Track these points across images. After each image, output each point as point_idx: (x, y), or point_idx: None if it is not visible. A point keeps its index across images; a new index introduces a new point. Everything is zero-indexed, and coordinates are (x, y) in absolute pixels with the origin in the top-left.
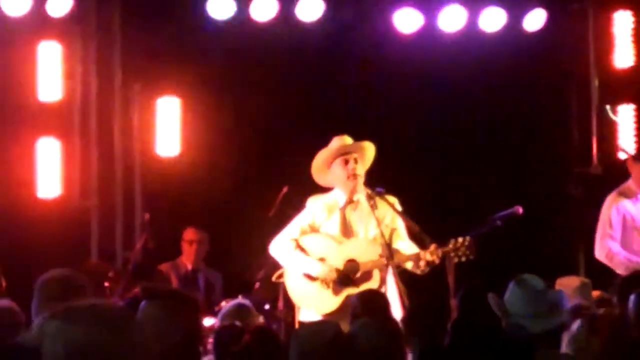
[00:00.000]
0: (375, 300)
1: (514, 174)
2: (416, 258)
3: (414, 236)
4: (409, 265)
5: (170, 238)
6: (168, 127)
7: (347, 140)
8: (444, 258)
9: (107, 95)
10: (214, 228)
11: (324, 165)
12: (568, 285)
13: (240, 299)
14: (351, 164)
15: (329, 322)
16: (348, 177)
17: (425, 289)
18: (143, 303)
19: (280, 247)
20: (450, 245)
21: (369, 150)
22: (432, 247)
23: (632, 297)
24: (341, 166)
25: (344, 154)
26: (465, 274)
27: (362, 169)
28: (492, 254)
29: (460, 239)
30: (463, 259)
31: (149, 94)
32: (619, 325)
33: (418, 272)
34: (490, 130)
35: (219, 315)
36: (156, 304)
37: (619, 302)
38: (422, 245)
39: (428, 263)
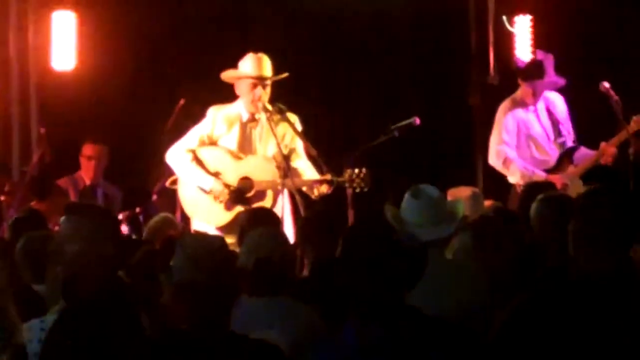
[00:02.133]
0: (265, 215)
1: (412, 84)
2: (310, 186)
3: (311, 158)
4: (303, 188)
5: (67, 152)
6: (63, 41)
7: (264, 64)
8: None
9: (2, 8)
10: (111, 141)
11: (234, 79)
12: (459, 195)
13: (163, 214)
14: (258, 90)
15: (215, 235)
16: (252, 102)
17: (323, 201)
18: (65, 217)
19: (176, 156)
20: (346, 176)
21: (282, 76)
22: (325, 178)
23: (533, 204)
24: (249, 88)
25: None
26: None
27: (268, 94)
28: (390, 165)
29: (356, 170)
30: (357, 190)
31: (43, 7)
32: (510, 231)
33: (312, 196)
34: (390, 40)
35: (146, 228)
36: (83, 218)
37: (520, 209)
38: (319, 169)
39: (321, 194)
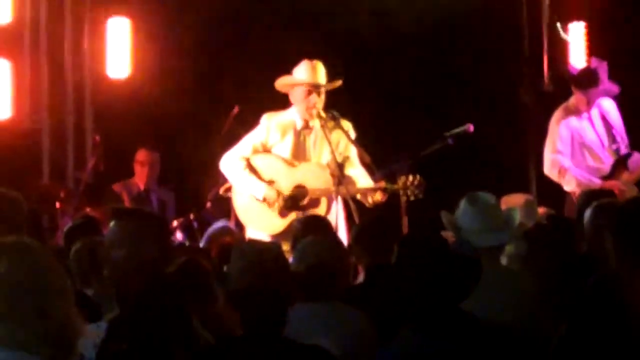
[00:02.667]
0: (317, 223)
1: (466, 93)
2: (364, 194)
3: (365, 166)
4: (358, 196)
5: (121, 159)
6: (118, 48)
7: (319, 71)
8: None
9: (57, 15)
10: (165, 148)
11: (288, 86)
12: (513, 202)
13: (222, 222)
14: (313, 98)
15: (272, 242)
16: (307, 109)
17: (377, 208)
18: (114, 223)
19: (230, 164)
20: (400, 184)
21: (337, 84)
22: (380, 186)
23: (587, 212)
24: (303, 95)
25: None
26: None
27: (322, 101)
28: (444, 173)
29: (410, 177)
30: (412, 198)
31: (99, 14)
32: (564, 240)
33: (366, 204)
34: (441, 49)
35: (205, 236)
36: (130, 223)
37: (578, 217)
38: (373, 177)
39: (375, 202)
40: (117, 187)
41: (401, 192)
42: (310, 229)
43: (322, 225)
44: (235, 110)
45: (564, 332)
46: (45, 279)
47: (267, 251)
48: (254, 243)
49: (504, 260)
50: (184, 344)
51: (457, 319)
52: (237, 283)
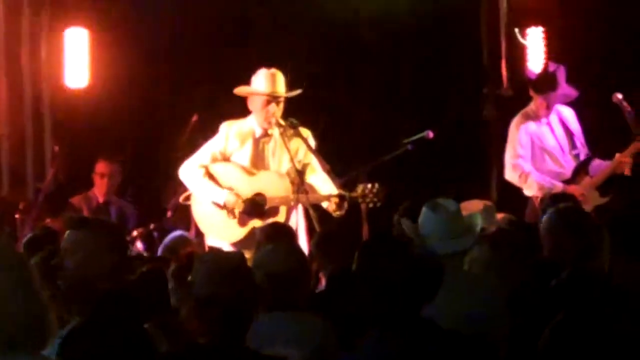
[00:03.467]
0: (280, 230)
1: (424, 97)
2: (327, 200)
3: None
4: (323, 204)
5: (81, 169)
6: (76, 58)
7: (277, 81)
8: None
9: (14, 25)
10: (124, 158)
11: (247, 95)
12: (472, 208)
13: (179, 231)
14: (272, 107)
15: (235, 251)
16: (265, 119)
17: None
18: (69, 232)
19: (189, 172)
20: (359, 191)
21: (296, 93)
22: (340, 192)
23: (544, 217)
24: (262, 104)
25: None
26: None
27: (281, 110)
28: (404, 179)
29: (369, 185)
30: (371, 205)
31: (57, 25)
32: (526, 244)
33: (332, 212)
34: (402, 53)
35: (161, 246)
36: (84, 232)
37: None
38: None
39: (335, 215)
40: (75, 200)
41: (360, 200)
42: (272, 237)
43: (283, 233)
44: (194, 118)
45: (554, 331)
46: (18, 269)
47: (230, 260)
48: (217, 252)
49: (465, 266)
50: (141, 355)
51: (419, 325)
52: (200, 291)
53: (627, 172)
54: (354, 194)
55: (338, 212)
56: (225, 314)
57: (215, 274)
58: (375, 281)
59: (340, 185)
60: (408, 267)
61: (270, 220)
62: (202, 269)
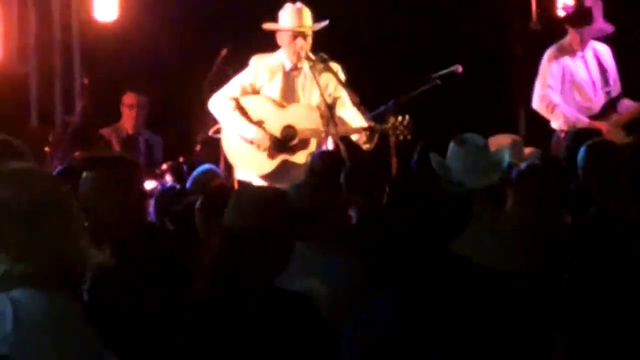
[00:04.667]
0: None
1: (452, 32)
2: (358, 132)
3: (356, 106)
4: (354, 136)
5: (110, 102)
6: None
7: (304, 15)
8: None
9: None
10: (154, 92)
11: (273, 29)
12: (499, 143)
13: (207, 165)
14: (299, 42)
15: (271, 187)
16: (293, 53)
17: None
18: (84, 174)
19: (219, 105)
20: (389, 124)
21: (322, 25)
22: (370, 124)
23: (581, 149)
24: (289, 39)
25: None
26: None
27: (309, 44)
28: (432, 114)
29: (399, 117)
30: (400, 137)
31: None
32: (559, 178)
33: (362, 146)
34: None
35: (190, 179)
36: (96, 174)
37: (566, 155)
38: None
39: (365, 147)
40: (105, 131)
41: (390, 133)
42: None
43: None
44: (224, 52)
45: (573, 269)
46: (62, 206)
47: (267, 193)
48: (255, 187)
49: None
50: (174, 292)
51: (450, 261)
52: (232, 223)
53: None
54: (384, 126)
55: (368, 145)
56: (255, 248)
57: (250, 207)
58: (406, 215)
59: (370, 118)
60: (438, 200)
61: (300, 153)
62: (237, 201)
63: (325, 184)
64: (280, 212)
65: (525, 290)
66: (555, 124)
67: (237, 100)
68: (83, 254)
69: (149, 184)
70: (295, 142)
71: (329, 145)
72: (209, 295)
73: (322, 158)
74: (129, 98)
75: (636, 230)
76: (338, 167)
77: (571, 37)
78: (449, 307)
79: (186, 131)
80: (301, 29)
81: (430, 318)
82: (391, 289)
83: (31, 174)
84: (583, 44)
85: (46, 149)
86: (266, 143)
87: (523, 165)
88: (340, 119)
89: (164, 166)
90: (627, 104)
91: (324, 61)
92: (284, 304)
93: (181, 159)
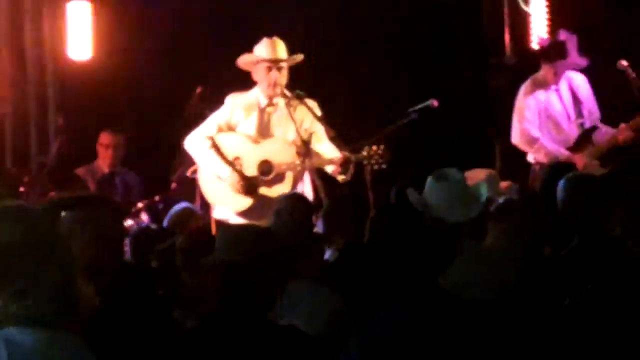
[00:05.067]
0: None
1: (428, 67)
2: (336, 167)
3: (332, 140)
4: (329, 169)
5: (85, 141)
6: (79, 30)
7: (278, 47)
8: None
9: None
10: (129, 130)
11: (249, 65)
12: (476, 177)
13: (184, 203)
14: (274, 74)
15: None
16: (269, 86)
17: (342, 185)
18: (63, 213)
19: (195, 143)
20: (364, 153)
21: (298, 59)
22: (346, 154)
23: (560, 183)
24: (264, 72)
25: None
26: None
27: (284, 77)
28: (409, 148)
29: (374, 147)
30: (376, 167)
31: None
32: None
33: (338, 177)
34: (407, 23)
35: (167, 217)
36: (76, 214)
37: (543, 189)
38: (340, 150)
39: (342, 179)
40: (80, 171)
41: (365, 162)
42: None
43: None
44: (198, 90)
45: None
46: (58, 244)
47: (255, 229)
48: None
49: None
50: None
51: (435, 295)
52: (218, 257)
53: (629, 140)
54: (359, 156)
55: (343, 176)
56: (245, 283)
57: (242, 243)
58: (390, 253)
59: (347, 149)
60: (421, 237)
61: (276, 187)
62: (226, 238)
63: (295, 225)
64: (273, 248)
65: (510, 322)
66: (536, 157)
67: (212, 139)
68: (79, 294)
69: (126, 223)
70: (271, 176)
71: (306, 179)
72: (202, 329)
73: (288, 201)
74: (105, 137)
75: (623, 259)
76: (305, 208)
77: (545, 71)
78: (437, 341)
79: (163, 170)
80: (275, 60)
81: (419, 352)
82: (376, 323)
83: (25, 211)
84: (557, 77)
85: (21, 189)
86: (237, 186)
87: (502, 199)
88: (316, 152)
89: (140, 205)
90: (605, 132)
91: (300, 98)
92: (279, 339)
93: (157, 198)
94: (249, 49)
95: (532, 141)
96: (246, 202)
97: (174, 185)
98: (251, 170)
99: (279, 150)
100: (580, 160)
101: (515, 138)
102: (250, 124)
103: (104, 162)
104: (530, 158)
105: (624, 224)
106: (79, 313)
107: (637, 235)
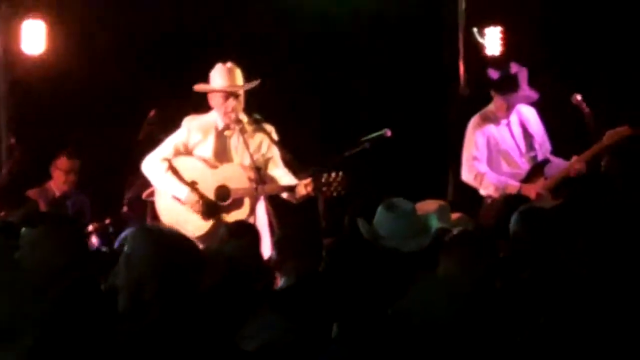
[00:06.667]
0: (244, 228)
1: (384, 96)
2: (290, 190)
3: (288, 165)
4: (284, 194)
5: (37, 163)
6: (33, 51)
7: (235, 74)
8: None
9: None
10: (82, 154)
11: (204, 91)
12: (426, 209)
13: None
14: (231, 102)
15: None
16: (225, 114)
17: (295, 211)
18: (24, 230)
19: (152, 166)
20: (323, 180)
21: (254, 84)
22: (307, 181)
23: (513, 217)
24: (221, 100)
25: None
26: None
27: (241, 104)
28: (361, 177)
29: (333, 174)
30: (334, 194)
31: (14, 16)
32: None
33: (293, 201)
34: (362, 52)
35: (117, 241)
36: (39, 230)
37: (497, 222)
38: (296, 175)
39: (303, 196)
40: (32, 193)
41: (324, 188)
42: (236, 234)
43: (247, 231)
44: (152, 114)
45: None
46: (2, 261)
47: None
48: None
49: None
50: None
51: (388, 323)
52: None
53: (582, 171)
54: (317, 183)
55: (296, 200)
56: (163, 288)
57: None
58: (345, 282)
59: (303, 172)
60: (378, 266)
61: (234, 213)
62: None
63: (238, 252)
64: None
65: (458, 351)
66: (485, 192)
67: (169, 162)
68: (24, 309)
69: None
70: (229, 201)
71: (263, 206)
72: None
73: (230, 230)
74: (62, 163)
75: (576, 291)
76: (250, 235)
77: (497, 104)
78: None
79: (114, 192)
80: (232, 89)
81: None
82: (332, 351)
83: None
84: (509, 110)
85: None
86: (197, 206)
87: (455, 231)
88: (272, 178)
89: (90, 227)
90: (556, 165)
91: (257, 122)
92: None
93: (107, 221)
94: (207, 69)
95: (480, 177)
96: (204, 225)
97: (125, 208)
98: (209, 195)
99: (237, 175)
100: (532, 190)
101: (465, 174)
102: (207, 147)
103: (56, 184)
104: (482, 191)
105: (582, 255)
106: (25, 328)
107: (592, 265)
